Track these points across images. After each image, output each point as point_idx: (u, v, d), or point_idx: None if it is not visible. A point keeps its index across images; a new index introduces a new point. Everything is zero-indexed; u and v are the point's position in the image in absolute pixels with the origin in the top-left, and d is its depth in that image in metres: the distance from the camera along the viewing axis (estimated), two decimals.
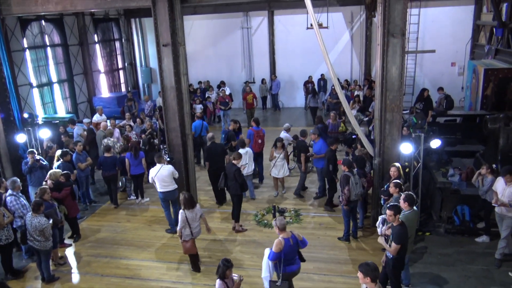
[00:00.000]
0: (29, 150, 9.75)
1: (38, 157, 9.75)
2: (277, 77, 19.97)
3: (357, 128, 8.90)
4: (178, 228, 7.44)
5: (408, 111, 13.25)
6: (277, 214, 9.57)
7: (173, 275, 7.70)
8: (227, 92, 17.59)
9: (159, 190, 8.84)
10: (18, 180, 8.20)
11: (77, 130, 12.28)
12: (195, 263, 7.76)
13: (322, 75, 18.97)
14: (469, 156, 10.04)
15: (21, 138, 10.16)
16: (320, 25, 14.48)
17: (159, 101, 16.35)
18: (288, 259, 6.05)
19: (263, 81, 19.72)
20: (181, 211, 7.36)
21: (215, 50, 20.80)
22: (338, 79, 17.42)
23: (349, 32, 19.33)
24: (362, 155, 8.91)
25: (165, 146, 9.01)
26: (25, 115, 11.23)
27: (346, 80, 18.69)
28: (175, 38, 8.70)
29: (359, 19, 19.11)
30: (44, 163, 9.79)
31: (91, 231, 9.49)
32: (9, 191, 7.93)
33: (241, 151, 9.64)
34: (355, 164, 8.35)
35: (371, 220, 8.83)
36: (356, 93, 16.25)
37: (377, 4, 7.92)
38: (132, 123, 13.13)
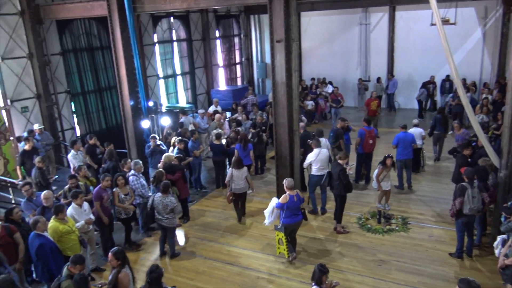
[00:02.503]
0: (152, 135, 10.71)
1: (159, 142, 10.67)
2: (394, 76, 18.95)
3: (480, 134, 8.02)
4: (226, 180, 9.54)
5: None
6: (382, 220, 9.14)
7: (270, 267, 7.82)
8: (329, 91, 17.45)
9: (313, 173, 9.36)
10: (141, 162, 9.09)
11: (185, 120, 13.07)
12: (238, 212, 9.64)
13: (447, 76, 17.40)
14: None
15: (145, 124, 11.20)
16: (447, 21, 13.40)
17: (270, 96, 16.69)
18: (291, 212, 7.58)
19: (378, 80, 18.88)
20: (230, 168, 9.35)
21: (330, 46, 20.51)
22: (465, 80, 16.05)
23: (481, 29, 17.47)
24: (485, 166, 8.01)
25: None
26: (150, 103, 12.31)
27: (474, 82, 16.99)
28: (288, 34, 8.75)
29: (494, 15, 17.16)
30: (163, 148, 10.68)
31: (199, 215, 10.09)
32: (132, 171, 8.82)
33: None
34: (476, 176, 7.53)
35: (491, 239, 7.92)
36: (484, 96, 14.68)
37: None
38: (243, 117, 13.60)
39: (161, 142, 11.01)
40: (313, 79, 19.75)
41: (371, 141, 10.79)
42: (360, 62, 20.20)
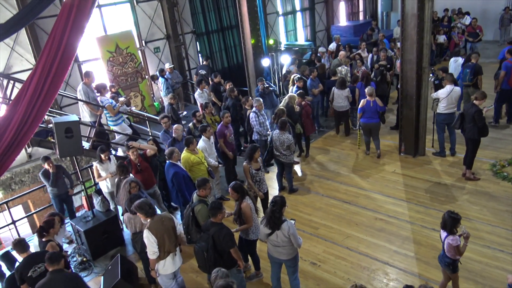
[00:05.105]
0: (259, 78, 10.72)
1: (266, 84, 10.69)
2: None
3: None
4: (329, 98, 10.65)
5: None
6: None
7: (389, 209, 7.64)
8: (467, 22, 15.49)
9: (439, 111, 8.82)
10: (261, 100, 9.28)
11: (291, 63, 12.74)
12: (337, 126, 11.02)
13: None
14: None
15: (265, 62, 11.30)
16: None
17: (396, 31, 15.47)
18: (367, 114, 9.09)
19: None
20: (334, 88, 10.38)
21: None
22: None
23: None
24: None
25: (432, 68, 9.85)
26: (270, 42, 12.32)
27: None
28: None
29: None
30: (272, 88, 10.68)
31: (317, 154, 10.16)
32: (253, 108, 9.10)
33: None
34: None
35: None
36: None
37: None
38: (366, 53, 12.91)
39: (269, 83, 11.00)
40: (446, 10, 17.65)
41: None
42: None
